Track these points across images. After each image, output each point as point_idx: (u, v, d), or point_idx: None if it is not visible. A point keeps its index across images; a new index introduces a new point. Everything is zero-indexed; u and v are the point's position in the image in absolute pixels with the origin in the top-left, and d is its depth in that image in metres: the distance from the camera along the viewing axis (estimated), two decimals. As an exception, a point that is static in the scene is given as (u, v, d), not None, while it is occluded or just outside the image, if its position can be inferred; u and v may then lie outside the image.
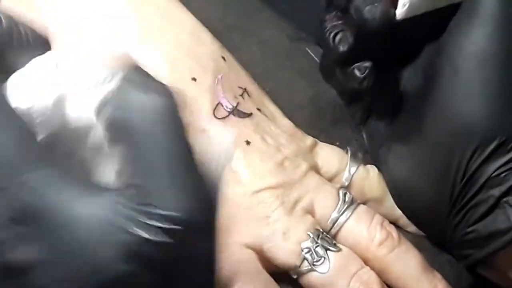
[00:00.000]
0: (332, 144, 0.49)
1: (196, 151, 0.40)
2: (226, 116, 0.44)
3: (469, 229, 0.44)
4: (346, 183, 0.47)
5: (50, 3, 0.45)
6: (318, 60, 0.55)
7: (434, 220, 0.46)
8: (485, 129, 0.42)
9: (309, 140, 0.47)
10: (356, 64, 0.44)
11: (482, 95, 0.42)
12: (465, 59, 0.43)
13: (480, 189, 0.43)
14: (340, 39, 0.44)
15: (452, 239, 0.45)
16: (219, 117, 0.44)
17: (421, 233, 0.48)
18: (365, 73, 0.44)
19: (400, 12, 0.43)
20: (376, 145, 0.49)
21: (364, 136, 0.50)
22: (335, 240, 0.45)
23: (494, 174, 0.43)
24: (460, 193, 0.43)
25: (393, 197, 0.48)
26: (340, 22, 0.44)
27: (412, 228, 0.49)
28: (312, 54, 0.55)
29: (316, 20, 0.47)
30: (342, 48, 0.44)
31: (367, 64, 0.44)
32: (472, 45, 0.42)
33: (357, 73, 0.44)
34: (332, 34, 0.44)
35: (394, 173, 0.47)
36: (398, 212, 0.48)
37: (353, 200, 0.46)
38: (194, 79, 0.44)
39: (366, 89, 0.44)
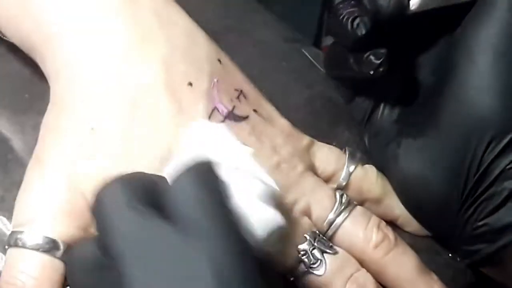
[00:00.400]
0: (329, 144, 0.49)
1: None
2: (222, 121, 0.44)
3: (481, 223, 0.44)
4: (344, 183, 0.47)
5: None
6: (314, 61, 0.55)
7: (444, 215, 0.46)
8: (500, 122, 0.43)
9: (306, 139, 0.47)
10: (371, 51, 0.44)
11: (498, 88, 0.43)
12: (483, 51, 0.43)
13: (494, 182, 0.43)
14: (358, 24, 0.44)
15: (462, 234, 0.45)
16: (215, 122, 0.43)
17: (419, 233, 0.49)
18: (381, 59, 0.44)
19: (414, 2, 0.43)
20: (382, 142, 0.49)
21: (366, 135, 0.50)
22: (331, 242, 0.45)
23: (508, 167, 0.43)
24: (473, 187, 0.44)
25: (401, 193, 0.48)
26: (355, 8, 0.44)
27: (410, 228, 0.49)
28: (308, 55, 0.55)
29: (312, 21, 0.47)
30: (360, 32, 0.44)
31: (383, 50, 0.44)
32: (490, 38, 0.43)
33: (373, 58, 0.44)
34: (350, 20, 0.44)
35: (405, 168, 0.47)
36: (397, 211, 0.48)
37: (349, 201, 0.46)
38: (190, 84, 0.43)
39: (380, 75, 0.44)
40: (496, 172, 0.43)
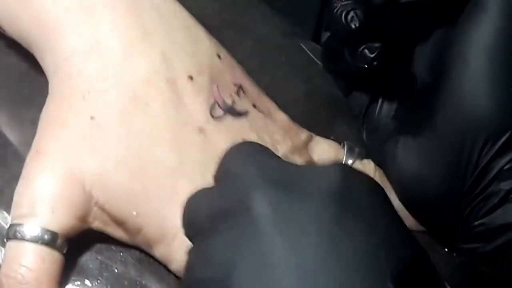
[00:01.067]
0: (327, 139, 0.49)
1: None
2: (222, 116, 0.44)
3: (478, 223, 0.44)
4: (342, 178, 0.47)
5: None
6: (313, 56, 0.55)
7: (441, 214, 0.46)
8: (495, 121, 0.43)
9: (305, 134, 0.47)
10: (366, 44, 0.44)
11: (492, 89, 0.43)
12: (475, 53, 0.43)
13: (491, 182, 0.43)
14: (352, 17, 0.44)
15: (459, 233, 0.45)
16: (215, 116, 0.44)
17: (416, 228, 0.49)
18: (375, 53, 0.44)
19: None
20: (380, 138, 0.49)
21: (364, 129, 0.50)
22: None
23: (505, 168, 0.43)
24: (471, 187, 0.44)
25: (399, 190, 0.48)
26: (349, 1, 0.44)
27: (407, 223, 0.49)
28: (306, 49, 0.55)
29: (311, 16, 0.48)
30: (354, 25, 0.44)
31: (377, 44, 0.44)
32: (482, 39, 0.43)
33: (367, 52, 0.44)
34: (343, 13, 0.44)
35: (403, 167, 0.47)
36: (395, 206, 0.48)
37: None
38: (190, 77, 0.43)
39: (375, 69, 0.44)
40: (493, 172, 0.43)
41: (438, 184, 0.45)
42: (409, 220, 0.49)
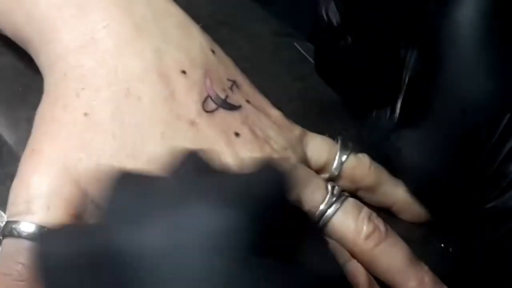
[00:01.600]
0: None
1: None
2: (215, 109, 0.44)
3: (488, 206, 0.44)
4: (336, 173, 0.47)
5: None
6: (306, 55, 0.55)
7: (451, 201, 0.46)
8: (492, 105, 0.43)
9: (298, 130, 0.48)
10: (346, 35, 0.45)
11: (485, 72, 0.43)
12: (463, 36, 0.43)
13: (499, 165, 0.43)
14: (334, 13, 0.44)
15: (469, 219, 0.45)
16: (208, 110, 0.44)
17: (414, 220, 0.49)
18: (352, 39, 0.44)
19: None
20: (381, 134, 0.49)
21: (365, 126, 0.50)
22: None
23: None
24: (478, 172, 0.44)
25: (407, 183, 0.48)
26: None
27: (405, 215, 0.49)
28: (300, 48, 0.55)
29: (306, 17, 0.48)
30: (336, 23, 0.44)
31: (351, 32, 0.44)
32: (468, 21, 0.43)
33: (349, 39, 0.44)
34: (323, 9, 0.44)
35: (407, 159, 0.47)
36: (391, 198, 0.49)
37: (341, 193, 0.46)
38: (183, 72, 0.44)
39: (357, 50, 0.44)
40: (501, 155, 0.43)
41: (444, 172, 0.45)
42: (408, 211, 0.49)
